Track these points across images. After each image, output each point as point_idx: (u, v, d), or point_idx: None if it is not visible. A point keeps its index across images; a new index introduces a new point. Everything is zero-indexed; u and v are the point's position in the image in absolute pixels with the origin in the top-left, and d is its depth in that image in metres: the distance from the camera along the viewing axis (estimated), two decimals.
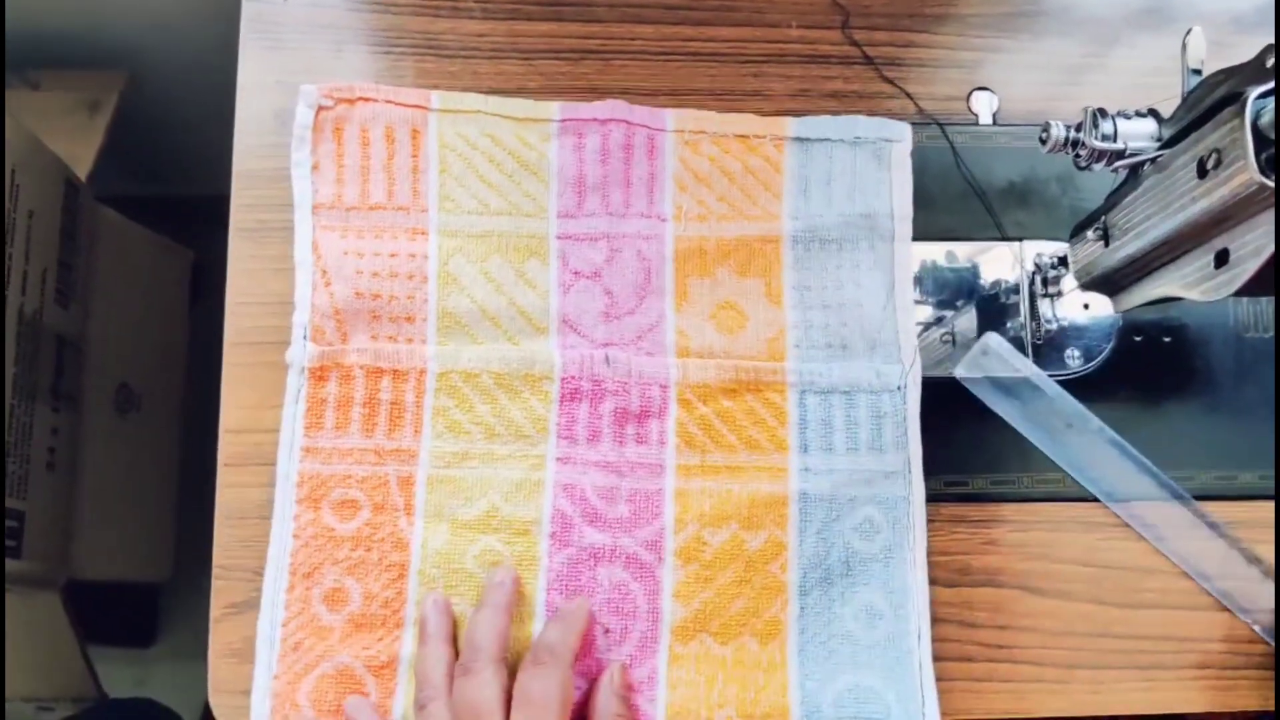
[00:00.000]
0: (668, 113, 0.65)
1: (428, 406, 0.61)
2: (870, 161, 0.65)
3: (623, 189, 0.64)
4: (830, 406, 0.62)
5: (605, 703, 0.56)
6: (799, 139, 0.65)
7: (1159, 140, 0.53)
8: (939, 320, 0.67)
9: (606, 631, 0.59)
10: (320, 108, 0.63)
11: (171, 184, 1.32)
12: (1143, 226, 0.53)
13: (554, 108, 0.65)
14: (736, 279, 0.64)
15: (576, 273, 0.63)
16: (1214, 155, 0.47)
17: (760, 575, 0.60)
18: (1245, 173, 0.44)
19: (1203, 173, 0.48)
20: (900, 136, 0.66)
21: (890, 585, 0.60)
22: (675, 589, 0.60)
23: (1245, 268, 0.46)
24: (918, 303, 0.66)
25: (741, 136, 0.65)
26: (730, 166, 0.65)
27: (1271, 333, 0.67)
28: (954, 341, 0.66)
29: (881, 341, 0.63)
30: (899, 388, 0.63)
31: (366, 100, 0.63)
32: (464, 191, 0.64)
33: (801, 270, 0.64)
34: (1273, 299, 0.67)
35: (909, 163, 0.65)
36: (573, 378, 0.61)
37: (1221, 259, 0.48)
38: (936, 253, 0.67)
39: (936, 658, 0.60)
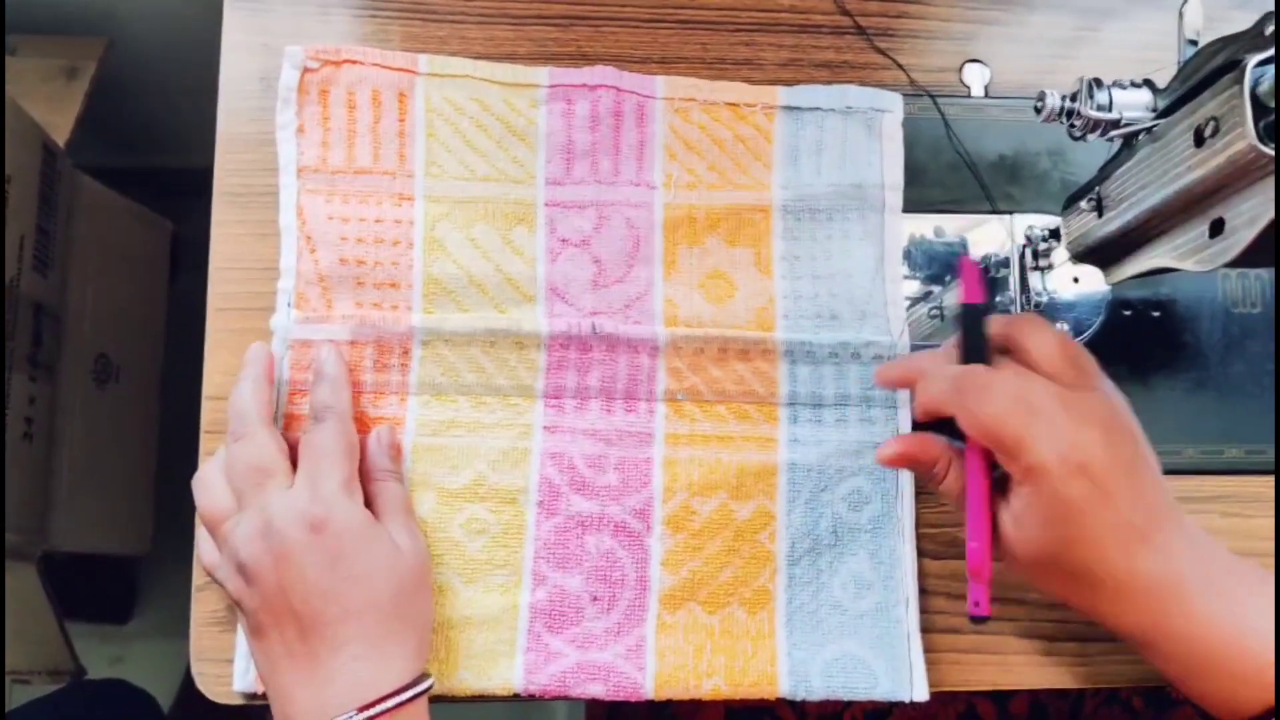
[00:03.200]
0: (658, 79, 0.65)
1: (414, 378, 0.60)
2: (861, 131, 0.65)
3: (612, 156, 0.64)
4: (820, 378, 0.62)
5: (376, 459, 0.58)
6: (790, 108, 0.65)
7: (1154, 110, 0.52)
8: (927, 295, 0.67)
9: (594, 599, 0.59)
10: (306, 69, 0.62)
11: (151, 154, 1.31)
12: (1137, 196, 0.53)
13: (543, 73, 0.64)
14: (726, 248, 0.64)
15: (564, 240, 0.62)
16: (1211, 123, 0.46)
17: (749, 545, 0.60)
18: (1243, 140, 0.44)
19: (1199, 141, 0.47)
20: (892, 107, 0.65)
21: (879, 555, 0.60)
22: (664, 558, 0.60)
23: (1241, 236, 0.46)
24: (906, 277, 0.66)
25: (732, 104, 0.65)
26: (720, 134, 0.64)
27: (1259, 308, 0.67)
28: (942, 316, 0.66)
29: (871, 312, 0.63)
30: (889, 358, 0.62)
31: (353, 63, 0.62)
32: (451, 157, 0.63)
33: (791, 240, 0.64)
34: (1260, 272, 0.67)
35: (900, 133, 0.65)
36: (559, 346, 0.61)
37: (1217, 228, 0.48)
38: (925, 227, 0.67)
39: (924, 629, 0.60)
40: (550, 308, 0.62)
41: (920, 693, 0.59)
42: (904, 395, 0.62)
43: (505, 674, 0.58)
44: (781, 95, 0.65)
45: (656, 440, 0.61)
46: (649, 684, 0.58)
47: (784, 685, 0.58)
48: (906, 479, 0.61)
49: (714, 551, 0.60)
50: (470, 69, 0.64)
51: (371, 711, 0.49)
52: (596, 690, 0.58)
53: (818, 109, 0.65)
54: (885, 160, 0.65)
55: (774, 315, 0.63)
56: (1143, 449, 0.52)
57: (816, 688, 0.58)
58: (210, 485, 0.54)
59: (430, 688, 0.52)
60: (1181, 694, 0.53)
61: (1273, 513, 0.64)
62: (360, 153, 0.62)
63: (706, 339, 0.62)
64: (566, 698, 0.58)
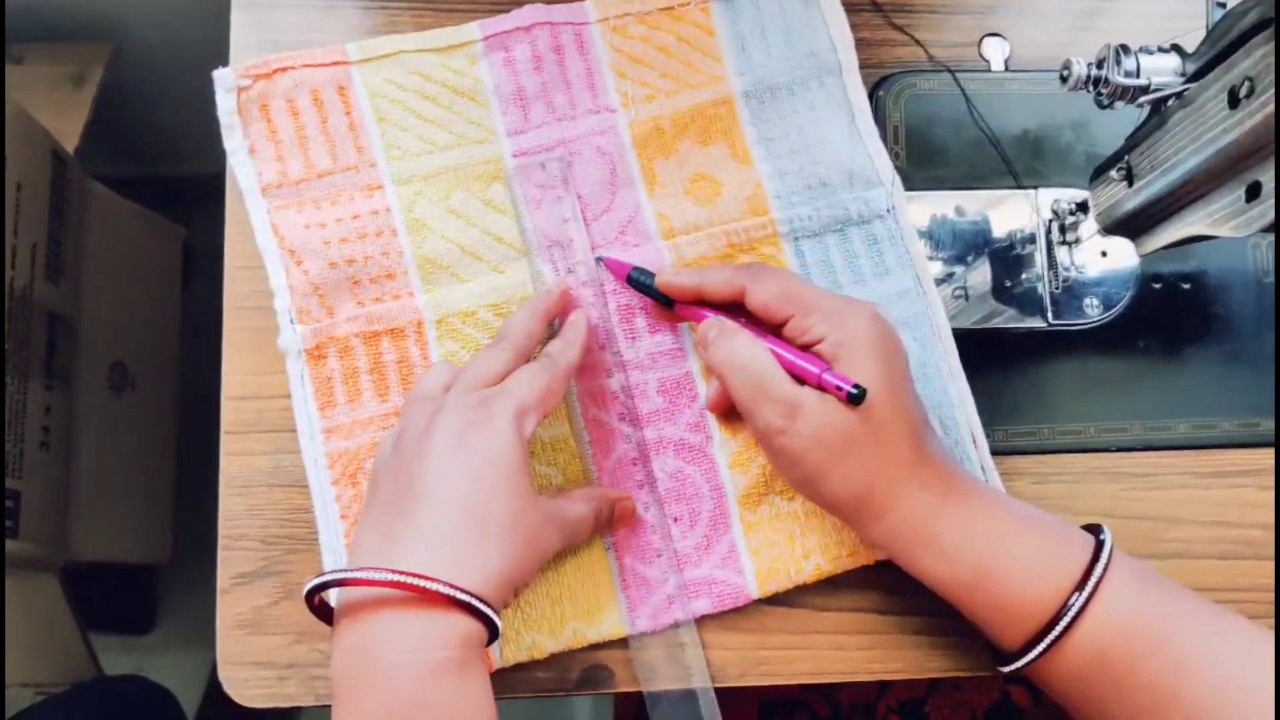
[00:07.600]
0: (587, 4, 0.64)
1: (434, 356, 0.60)
2: (796, 3, 0.65)
3: (564, 91, 0.63)
4: (826, 247, 0.62)
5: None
6: None
7: (1183, 75, 0.51)
8: (950, 276, 0.65)
9: (675, 520, 0.59)
10: (240, 89, 0.62)
11: (160, 160, 1.30)
12: (1170, 163, 0.52)
13: (473, 28, 0.63)
14: (700, 150, 0.63)
15: (542, 186, 0.62)
16: (1246, 84, 0.45)
17: None
18: None
19: (1234, 103, 0.46)
20: None
21: (932, 400, 0.60)
22: (730, 462, 0.60)
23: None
24: (930, 259, 0.65)
25: (666, 9, 0.65)
26: (663, 41, 0.64)
27: None
28: (966, 296, 0.65)
29: (856, 169, 0.63)
30: (888, 210, 0.62)
31: (284, 70, 0.62)
32: (407, 136, 0.62)
33: (760, 124, 0.64)
34: None
35: None
36: (569, 289, 0.61)
37: (1254, 192, 0.47)
38: (947, 205, 0.66)
39: (957, 615, 0.59)
40: (548, 255, 0.61)
41: None
42: (915, 245, 0.62)
43: (613, 618, 0.58)
44: None
45: (689, 353, 0.61)
46: (751, 584, 0.58)
47: None
48: (939, 319, 0.61)
49: None
50: (400, 44, 0.63)
51: (379, 576, 0.45)
52: (703, 606, 0.58)
53: None
54: (829, 22, 0.65)
55: (765, 199, 0.63)
56: None
57: None
58: (437, 369, 0.55)
59: (446, 593, 0.45)
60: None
61: None
62: (317, 156, 0.62)
63: (709, 241, 0.62)
64: (677, 625, 0.58)
